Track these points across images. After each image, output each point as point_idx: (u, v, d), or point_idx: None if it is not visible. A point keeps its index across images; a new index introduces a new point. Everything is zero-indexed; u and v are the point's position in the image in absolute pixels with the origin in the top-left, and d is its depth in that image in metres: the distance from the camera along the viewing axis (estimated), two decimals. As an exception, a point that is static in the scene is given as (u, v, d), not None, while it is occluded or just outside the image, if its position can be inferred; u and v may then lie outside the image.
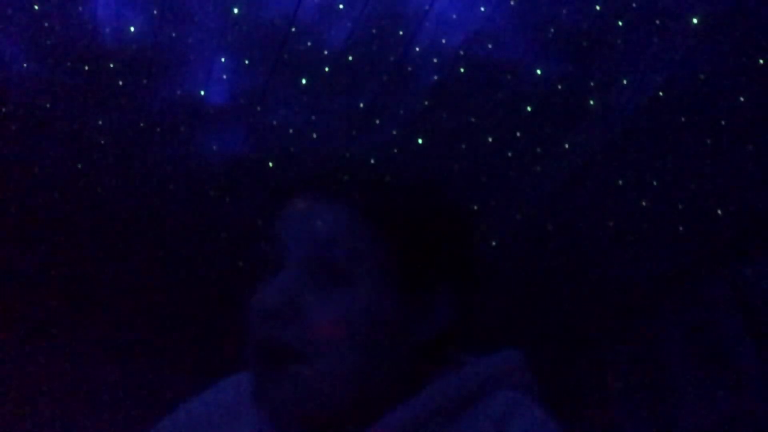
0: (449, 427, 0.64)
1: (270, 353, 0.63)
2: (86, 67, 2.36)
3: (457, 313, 0.70)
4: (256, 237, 0.72)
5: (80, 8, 2.20)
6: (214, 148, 2.75)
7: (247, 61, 2.40)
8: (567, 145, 2.73)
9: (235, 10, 2.21)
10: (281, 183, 0.73)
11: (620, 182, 2.85)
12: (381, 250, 0.66)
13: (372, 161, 0.75)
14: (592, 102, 2.52)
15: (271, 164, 2.74)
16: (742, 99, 2.44)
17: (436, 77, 2.45)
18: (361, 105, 2.55)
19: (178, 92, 2.51)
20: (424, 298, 0.68)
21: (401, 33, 2.30)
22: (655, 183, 2.85)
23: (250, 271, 0.71)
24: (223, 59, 2.39)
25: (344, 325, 0.62)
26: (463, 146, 2.70)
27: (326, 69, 2.40)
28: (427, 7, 2.22)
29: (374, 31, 2.29)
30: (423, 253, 0.68)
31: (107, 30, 2.27)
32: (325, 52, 2.35)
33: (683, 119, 2.56)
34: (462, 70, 2.40)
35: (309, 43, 2.32)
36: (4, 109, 2.49)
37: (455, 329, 0.70)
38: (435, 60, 2.39)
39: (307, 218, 0.67)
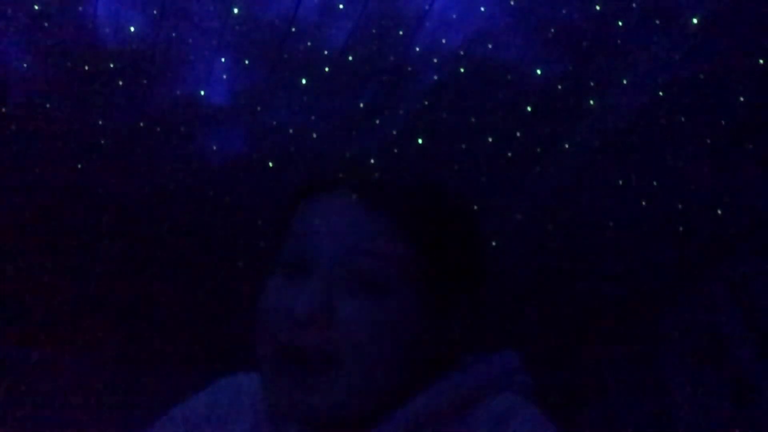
0: (449, 429, 0.64)
1: (300, 358, 0.62)
2: (86, 67, 2.36)
3: (472, 324, 0.71)
4: (276, 233, 0.72)
5: (80, 8, 2.20)
6: (214, 148, 2.75)
7: (247, 61, 2.40)
8: (567, 145, 2.73)
9: (235, 10, 2.21)
10: (308, 179, 0.71)
11: (620, 182, 2.85)
12: (415, 261, 0.66)
13: (403, 170, 0.74)
14: (592, 102, 2.52)
15: (271, 164, 2.74)
16: (742, 99, 2.44)
17: (436, 77, 2.45)
18: (361, 105, 2.55)
19: (178, 92, 2.51)
20: (446, 310, 0.69)
21: (401, 33, 2.30)
22: (654, 183, 2.85)
23: (253, 272, 0.71)
24: (223, 59, 2.39)
25: (377, 334, 0.62)
26: (463, 146, 2.70)
27: (326, 69, 2.40)
28: (427, 7, 2.22)
29: (374, 31, 2.29)
30: (451, 266, 0.69)
31: (107, 30, 2.27)
32: (325, 52, 2.35)
33: (683, 119, 2.56)
34: (462, 70, 2.40)
35: (309, 43, 2.32)
36: (4, 109, 2.49)
37: (467, 337, 0.71)
38: (435, 60, 2.39)
39: (344, 223, 0.66)
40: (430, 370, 0.69)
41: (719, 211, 2.98)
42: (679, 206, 2.95)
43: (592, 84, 2.45)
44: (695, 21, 2.19)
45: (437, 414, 0.64)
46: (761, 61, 2.30)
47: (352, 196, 0.67)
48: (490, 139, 2.68)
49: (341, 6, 2.22)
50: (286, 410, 0.63)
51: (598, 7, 2.18)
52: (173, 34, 2.29)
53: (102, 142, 2.67)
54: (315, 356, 0.61)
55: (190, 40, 2.32)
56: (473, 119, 2.60)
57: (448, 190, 0.72)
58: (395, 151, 2.68)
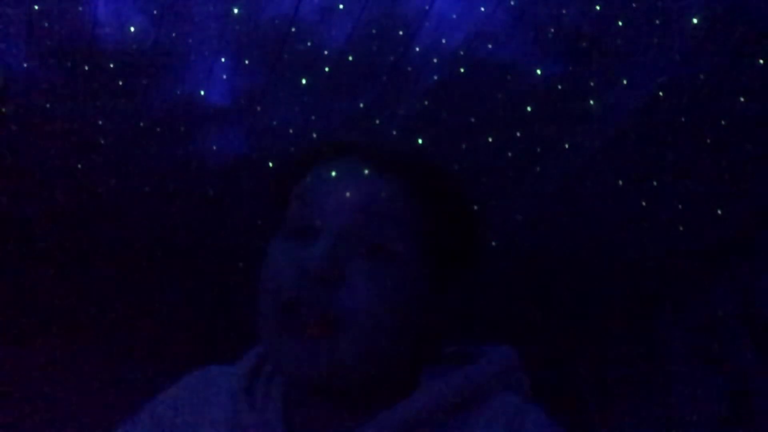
0: (452, 427, 0.64)
1: (306, 315, 0.61)
2: (86, 67, 2.36)
3: (463, 296, 0.72)
4: (277, 198, 0.72)
5: (80, 8, 2.20)
6: (214, 148, 2.75)
7: (247, 61, 2.39)
8: (567, 145, 2.73)
9: (235, 10, 2.20)
10: (314, 145, 0.73)
11: (620, 182, 2.85)
12: (422, 227, 0.66)
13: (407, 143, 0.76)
14: (592, 102, 2.52)
15: (271, 164, 2.73)
16: (742, 99, 2.44)
17: (436, 77, 2.45)
18: (361, 105, 2.55)
19: (178, 92, 2.51)
20: (446, 282, 0.69)
21: (401, 33, 2.30)
22: (654, 183, 2.85)
23: (253, 272, 0.70)
24: (223, 59, 2.39)
25: (384, 298, 0.62)
26: (463, 146, 2.70)
27: (326, 69, 2.39)
28: (427, 7, 2.22)
29: (374, 31, 2.29)
30: (455, 235, 0.70)
31: (107, 30, 2.27)
32: (325, 52, 2.35)
33: (683, 119, 2.56)
34: (462, 70, 2.40)
35: (309, 43, 2.32)
36: (4, 109, 2.49)
37: (455, 317, 0.72)
38: (435, 60, 2.39)
39: (354, 186, 0.66)
40: (422, 346, 0.69)
41: (719, 211, 2.98)
42: (679, 206, 2.95)
43: (592, 84, 2.45)
44: (695, 21, 2.19)
45: (436, 412, 0.64)
46: (761, 61, 2.29)
47: (362, 160, 0.67)
48: (490, 139, 2.68)
49: (341, 6, 2.21)
50: (290, 370, 0.63)
51: (598, 7, 2.18)
52: (173, 34, 2.29)
53: (102, 142, 2.67)
54: (321, 316, 0.61)
55: (190, 40, 2.31)
56: (473, 119, 2.60)
57: (447, 166, 0.74)
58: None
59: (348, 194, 0.65)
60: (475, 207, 0.74)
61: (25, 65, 2.35)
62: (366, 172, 0.66)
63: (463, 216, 0.72)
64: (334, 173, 0.67)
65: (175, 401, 0.75)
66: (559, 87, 2.46)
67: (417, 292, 0.65)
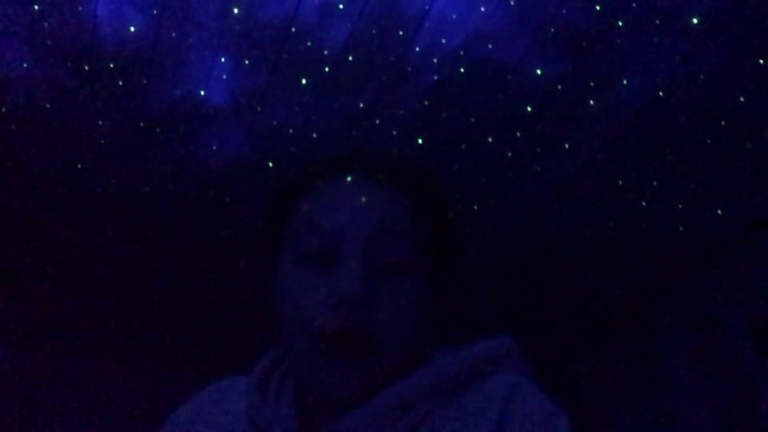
0: (450, 404, 0.65)
1: (344, 342, 0.62)
2: (86, 67, 2.36)
3: (455, 287, 0.75)
4: (279, 220, 0.72)
5: (80, 8, 2.20)
6: (214, 148, 2.75)
7: (247, 61, 2.39)
8: (567, 145, 2.73)
9: (235, 10, 2.21)
10: (315, 163, 0.74)
11: (620, 182, 2.85)
12: (419, 233, 0.69)
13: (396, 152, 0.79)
14: (592, 102, 2.52)
15: (271, 164, 2.73)
16: (742, 99, 2.44)
17: (436, 77, 2.45)
18: (361, 105, 2.55)
19: (178, 92, 2.51)
20: (443, 279, 0.73)
21: (401, 33, 2.30)
22: (654, 183, 2.85)
23: (253, 272, 0.71)
24: (223, 59, 2.39)
25: (408, 313, 0.65)
26: (463, 146, 2.70)
27: (326, 69, 2.40)
28: (427, 7, 2.22)
29: (374, 31, 2.29)
30: (451, 244, 0.73)
31: (107, 30, 2.27)
32: (325, 52, 2.35)
33: (683, 119, 2.56)
34: (462, 70, 2.40)
35: (309, 43, 2.32)
36: (4, 109, 2.49)
37: (449, 307, 0.75)
38: (435, 60, 2.39)
39: (365, 206, 0.67)
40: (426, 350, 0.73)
41: (719, 211, 2.98)
42: (679, 205, 2.95)
43: (592, 84, 2.45)
44: (695, 21, 2.19)
45: (434, 390, 0.65)
46: (761, 61, 2.29)
47: (368, 176, 0.69)
48: (490, 139, 2.68)
49: (341, 6, 2.21)
50: (330, 395, 0.64)
51: (598, 7, 2.18)
52: (173, 34, 2.29)
53: (102, 142, 2.67)
54: (358, 338, 0.63)
55: (190, 40, 2.32)
56: (473, 119, 2.60)
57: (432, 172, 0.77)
58: (395, 151, 2.68)
59: (359, 216, 0.66)
60: (452, 205, 0.77)
61: (25, 65, 2.35)
62: (372, 190, 0.68)
63: (448, 217, 0.75)
64: (339, 195, 0.68)
65: (195, 410, 0.76)
66: (559, 87, 2.46)
67: (428, 300, 0.68)
